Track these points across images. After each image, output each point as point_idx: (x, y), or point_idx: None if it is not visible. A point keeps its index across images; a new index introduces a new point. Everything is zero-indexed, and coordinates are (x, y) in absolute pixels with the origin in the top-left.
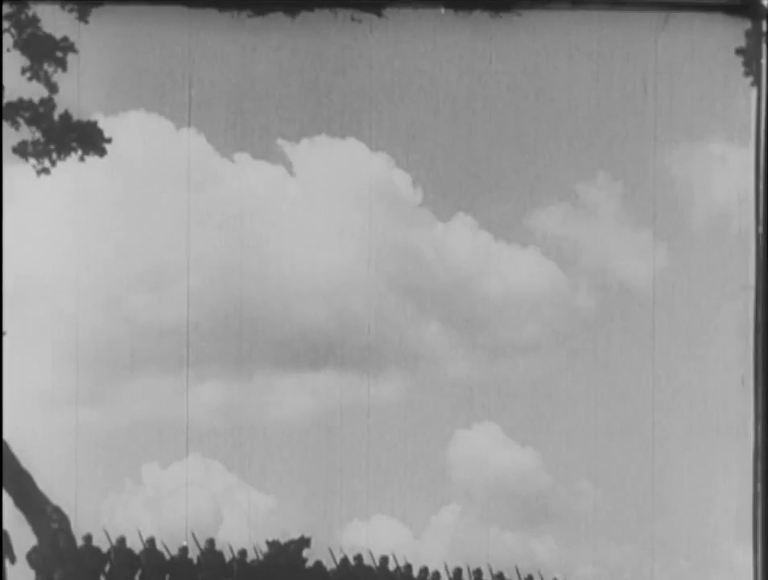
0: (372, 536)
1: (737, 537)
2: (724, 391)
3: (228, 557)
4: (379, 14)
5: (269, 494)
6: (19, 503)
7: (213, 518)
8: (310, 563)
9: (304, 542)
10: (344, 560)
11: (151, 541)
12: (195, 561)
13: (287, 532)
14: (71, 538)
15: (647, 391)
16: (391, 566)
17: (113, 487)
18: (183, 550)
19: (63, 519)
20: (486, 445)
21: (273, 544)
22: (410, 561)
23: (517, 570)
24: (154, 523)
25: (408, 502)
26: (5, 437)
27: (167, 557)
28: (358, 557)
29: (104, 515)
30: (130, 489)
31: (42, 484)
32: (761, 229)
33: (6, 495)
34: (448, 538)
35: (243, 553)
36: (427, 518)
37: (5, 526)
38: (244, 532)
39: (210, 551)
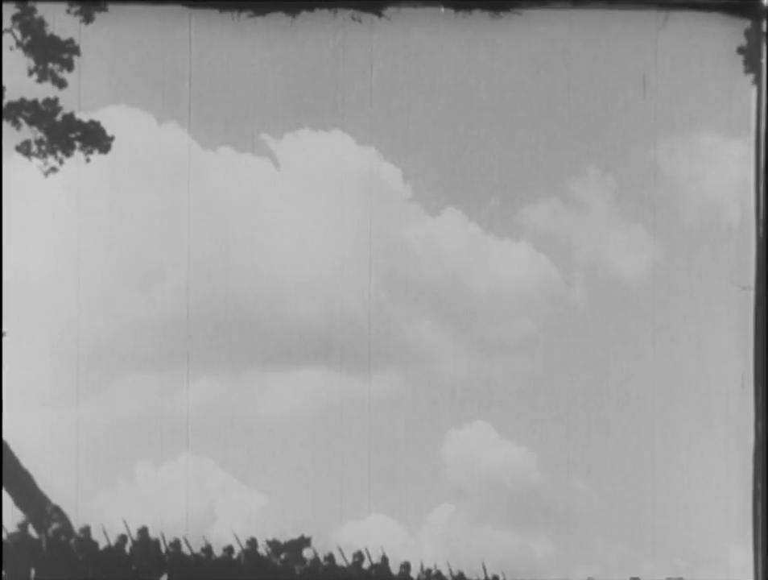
0: (366, 535)
1: (735, 537)
2: (723, 390)
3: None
4: (379, 14)
5: (261, 492)
6: (19, 502)
7: (206, 516)
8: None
9: (304, 541)
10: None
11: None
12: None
13: (282, 531)
14: (71, 538)
15: (643, 388)
16: (366, 564)
17: (106, 485)
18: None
19: (63, 519)
20: (479, 443)
21: (272, 544)
22: (406, 560)
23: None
24: (148, 520)
25: (403, 501)
26: (3, 436)
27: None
28: (329, 557)
29: (97, 513)
30: (123, 487)
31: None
32: (761, 229)
33: (6, 495)
34: (443, 537)
35: (230, 549)
36: (421, 517)
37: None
38: (237, 530)
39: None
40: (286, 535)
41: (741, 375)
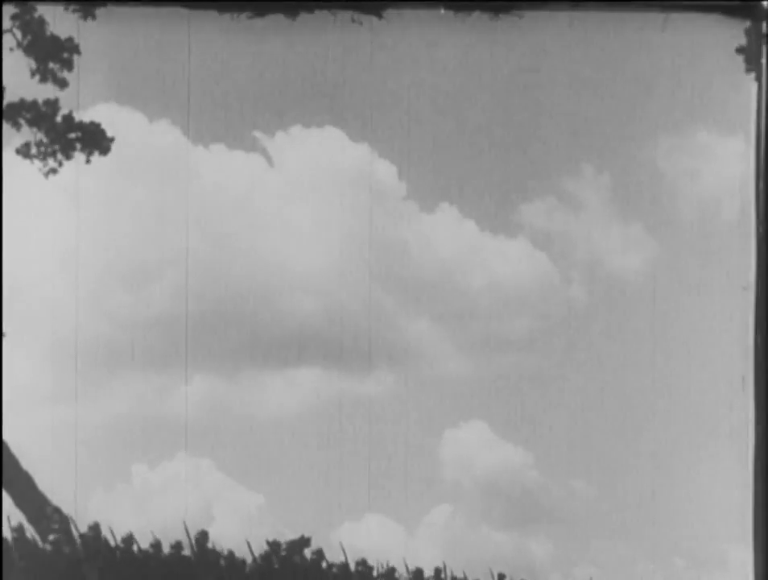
0: (364, 536)
1: (734, 538)
2: (722, 390)
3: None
4: (379, 16)
5: (259, 492)
6: (19, 503)
7: (204, 517)
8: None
9: (304, 542)
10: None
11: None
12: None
13: (279, 531)
14: (71, 539)
15: (643, 388)
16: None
17: (102, 487)
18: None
19: (63, 521)
20: (477, 443)
21: (272, 544)
22: (404, 561)
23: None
24: (145, 521)
25: (400, 501)
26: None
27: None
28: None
29: (92, 515)
30: (119, 488)
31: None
32: (760, 228)
33: (6, 496)
34: (440, 538)
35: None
36: (419, 517)
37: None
38: (235, 531)
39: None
40: (284, 535)
41: (741, 375)
